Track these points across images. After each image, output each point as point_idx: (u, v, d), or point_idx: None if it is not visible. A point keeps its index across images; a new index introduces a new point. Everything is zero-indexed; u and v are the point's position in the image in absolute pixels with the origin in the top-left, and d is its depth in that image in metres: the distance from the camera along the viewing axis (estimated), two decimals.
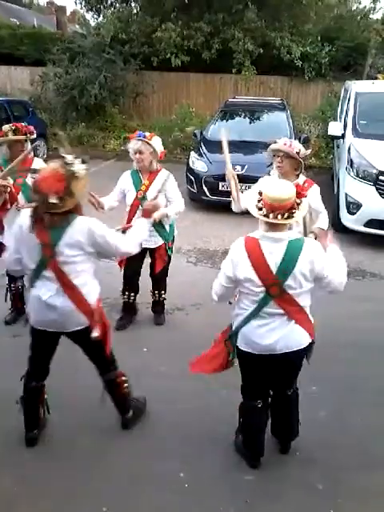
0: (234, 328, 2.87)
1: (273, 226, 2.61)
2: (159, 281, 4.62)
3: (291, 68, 13.24)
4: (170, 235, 4.43)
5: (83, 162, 2.76)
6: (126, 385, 3.24)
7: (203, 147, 8.83)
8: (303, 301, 2.74)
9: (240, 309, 2.81)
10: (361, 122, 7.70)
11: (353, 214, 6.80)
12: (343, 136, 7.79)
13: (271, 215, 2.57)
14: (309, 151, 4.01)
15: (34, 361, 3.12)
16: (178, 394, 3.63)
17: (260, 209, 2.63)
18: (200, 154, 8.65)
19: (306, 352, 2.87)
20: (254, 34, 12.93)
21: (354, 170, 6.92)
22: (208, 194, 8.22)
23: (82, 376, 3.44)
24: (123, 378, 3.23)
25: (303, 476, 3.01)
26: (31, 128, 4.19)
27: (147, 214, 3.30)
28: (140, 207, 4.09)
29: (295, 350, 2.77)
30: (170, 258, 4.51)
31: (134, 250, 3.12)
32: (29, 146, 4.18)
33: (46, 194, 2.61)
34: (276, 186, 2.63)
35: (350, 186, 6.95)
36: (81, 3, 15.51)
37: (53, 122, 13.74)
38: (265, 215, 2.59)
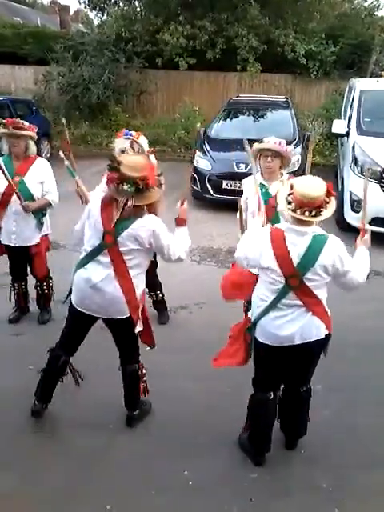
0: (253, 319, 2.88)
1: (299, 221, 2.63)
2: (151, 283, 4.40)
3: (295, 66, 13.20)
4: None
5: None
6: (145, 378, 3.28)
7: (207, 146, 8.82)
8: (321, 293, 2.78)
9: (260, 300, 2.83)
10: (365, 119, 7.67)
11: (357, 211, 6.77)
12: (347, 134, 7.77)
13: (299, 211, 2.59)
14: (299, 149, 4.00)
15: (67, 336, 3.20)
16: (182, 392, 3.63)
17: (289, 203, 2.64)
18: (204, 153, 8.64)
19: (323, 345, 2.88)
20: (258, 31, 12.90)
21: (359, 168, 6.89)
22: (212, 192, 8.21)
23: (86, 373, 3.44)
24: (144, 372, 3.28)
25: (307, 474, 3.01)
26: (19, 122, 4.11)
27: (182, 221, 3.18)
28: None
29: (312, 340, 2.79)
30: (152, 261, 4.30)
31: (185, 257, 3.11)
32: (34, 146, 4.19)
33: (147, 181, 2.69)
34: (308, 183, 2.63)
35: (354, 184, 6.92)
36: (84, 2, 15.51)
37: (56, 120, 13.75)
38: (293, 210, 2.61)
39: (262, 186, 3.77)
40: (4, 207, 4.15)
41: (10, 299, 4.57)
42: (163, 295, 4.66)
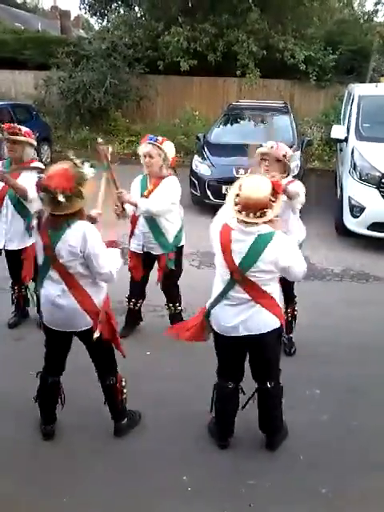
0: (207, 307, 2.98)
1: (246, 222, 2.70)
2: (167, 292, 4.45)
3: (295, 71, 13.24)
4: (169, 246, 4.15)
5: (92, 166, 2.77)
6: (124, 390, 3.25)
7: (206, 151, 8.84)
8: (270, 287, 2.84)
9: (214, 288, 2.94)
10: (364, 125, 7.69)
11: (356, 217, 6.78)
12: (346, 139, 7.79)
13: (244, 213, 2.67)
14: (298, 153, 4.02)
15: (48, 357, 3.17)
16: (182, 396, 3.63)
17: (236, 204, 2.72)
18: (203, 158, 8.66)
19: (273, 338, 2.92)
20: (258, 36, 12.96)
21: (358, 173, 6.91)
22: (211, 197, 8.21)
23: (83, 379, 3.43)
24: (123, 384, 3.24)
25: (306, 480, 3.00)
26: (16, 128, 4.11)
27: (112, 244, 3.08)
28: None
29: (257, 333, 2.84)
30: (173, 270, 4.19)
31: (114, 275, 2.94)
32: (27, 150, 4.16)
33: (55, 191, 2.60)
34: (252, 184, 2.68)
35: (353, 189, 6.93)
36: (85, 8, 15.61)
37: (57, 125, 13.79)
38: (238, 212, 2.69)
39: None
40: None
41: (12, 302, 4.58)
42: (181, 309, 4.52)
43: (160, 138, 3.98)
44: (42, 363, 3.23)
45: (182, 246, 4.32)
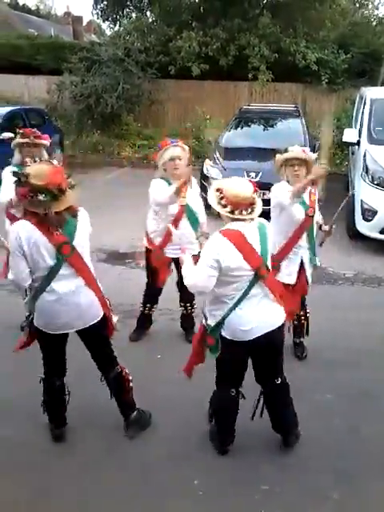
0: (216, 321, 2.90)
1: (241, 219, 2.76)
2: (184, 291, 4.24)
3: (306, 75, 13.22)
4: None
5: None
6: (130, 377, 3.27)
7: (217, 154, 8.85)
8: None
9: (222, 300, 2.86)
10: (376, 128, 7.65)
11: (368, 220, 6.74)
12: (358, 143, 7.75)
13: (237, 212, 2.73)
14: (316, 155, 4.05)
15: (49, 363, 3.16)
16: (193, 400, 3.62)
17: (224, 206, 2.75)
18: (214, 162, 8.67)
19: (282, 331, 2.98)
20: (269, 40, 12.97)
21: (370, 177, 6.87)
22: None
23: (90, 381, 3.41)
24: (127, 371, 3.27)
25: (318, 485, 2.98)
26: (37, 132, 4.23)
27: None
28: (184, 215, 4.07)
29: (271, 330, 2.88)
30: None
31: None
32: (43, 152, 4.23)
33: (60, 186, 2.70)
34: (237, 184, 2.78)
35: (365, 193, 6.90)
36: (97, 13, 15.74)
37: (69, 129, 13.90)
38: (231, 212, 2.74)
39: None
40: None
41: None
42: (194, 311, 4.48)
43: (179, 141, 4.03)
44: None
45: None
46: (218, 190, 2.78)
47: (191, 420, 3.46)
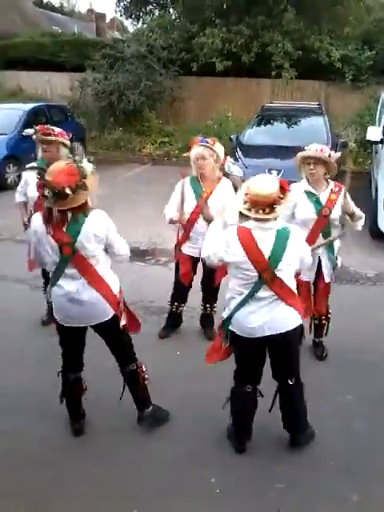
0: (227, 314, 2.96)
1: (261, 219, 2.74)
2: (213, 293, 4.38)
3: (330, 72, 13.07)
4: None
5: (89, 161, 2.86)
6: (146, 376, 3.28)
7: (239, 152, 8.82)
8: (291, 283, 2.88)
9: (233, 293, 2.91)
10: None
11: None
12: (382, 141, 7.64)
13: (253, 210, 2.71)
14: (339, 154, 3.99)
15: (66, 355, 3.21)
16: (211, 397, 3.62)
17: (245, 202, 2.75)
18: (236, 159, 8.64)
19: (296, 334, 2.95)
20: (293, 37, 12.85)
21: None
22: None
23: (108, 378, 3.45)
24: (143, 368, 3.28)
25: (336, 486, 2.95)
26: (49, 129, 4.18)
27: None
28: (201, 216, 4.03)
29: (284, 331, 2.86)
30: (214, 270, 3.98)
31: (127, 257, 3.17)
32: (61, 150, 4.19)
33: (62, 186, 2.66)
34: (260, 181, 2.73)
35: None
36: (120, 10, 15.82)
37: (91, 126, 14.00)
38: (248, 209, 2.73)
39: (310, 194, 3.78)
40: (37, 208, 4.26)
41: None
42: (215, 311, 4.46)
43: (210, 140, 4.00)
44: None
45: None
46: (247, 186, 2.77)
47: (208, 417, 3.45)
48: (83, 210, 2.82)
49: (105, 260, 3.01)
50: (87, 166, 2.80)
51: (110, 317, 3.02)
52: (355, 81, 13.09)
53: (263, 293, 2.82)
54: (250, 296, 2.83)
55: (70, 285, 2.92)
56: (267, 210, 2.70)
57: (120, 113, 13.49)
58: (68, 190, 2.67)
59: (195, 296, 4.50)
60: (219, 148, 4.03)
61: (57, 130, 4.22)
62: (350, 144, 11.51)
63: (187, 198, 4.08)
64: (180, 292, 4.40)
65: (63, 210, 2.77)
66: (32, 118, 10.51)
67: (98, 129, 13.95)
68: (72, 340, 3.14)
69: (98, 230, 2.86)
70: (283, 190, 2.73)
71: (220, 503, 2.85)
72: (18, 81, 16.15)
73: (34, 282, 5.05)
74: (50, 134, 4.16)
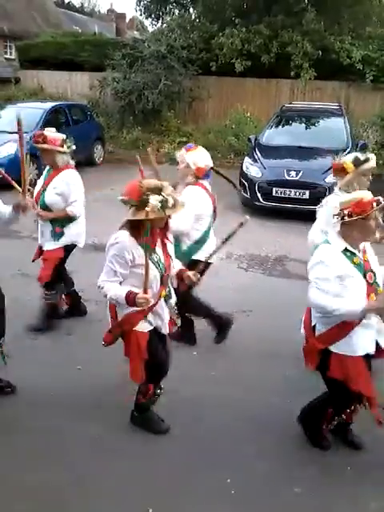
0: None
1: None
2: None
3: (350, 73, 12.95)
4: (183, 256, 3.71)
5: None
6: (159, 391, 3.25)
7: (257, 152, 8.79)
8: None
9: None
10: None
11: None
12: None
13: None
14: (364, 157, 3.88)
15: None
16: (227, 400, 3.61)
17: (350, 215, 2.69)
18: (254, 160, 8.61)
19: None
20: (313, 37, 12.76)
21: None
22: (261, 199, 8.15)
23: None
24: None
25: (355, 493, 2.91)
26: (42, 135, 4.06)
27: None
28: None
29: None
30: (190, 286, 3.47)
31: None
32: (63, 157, 4.16)
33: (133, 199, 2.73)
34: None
35: None
36: (140, 10, 15.89)
37: (110, 125, 14.08)
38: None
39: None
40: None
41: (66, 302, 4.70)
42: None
43: (192, 145, 3.99)
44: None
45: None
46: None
47: (227, 419, 3.43)
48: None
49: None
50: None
51: None
52: (376, 82, 12.95)
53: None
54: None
55: None
56: None
57: (139, 112, 13.54)
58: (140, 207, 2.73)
59: (213, 297, 4.47)
60: (193, 156, 3.89)
61: (51, 135, 4.08)
62: (370, 146, 11.38)
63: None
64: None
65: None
66: (52, 117, 10.62)
67: (117, 128, 14.03)
68: None
69: None
70: None
71: (236, 505, 2.83)
72: (38, 80, 16.35)
73: None
74: (39, 142, 4.06)
